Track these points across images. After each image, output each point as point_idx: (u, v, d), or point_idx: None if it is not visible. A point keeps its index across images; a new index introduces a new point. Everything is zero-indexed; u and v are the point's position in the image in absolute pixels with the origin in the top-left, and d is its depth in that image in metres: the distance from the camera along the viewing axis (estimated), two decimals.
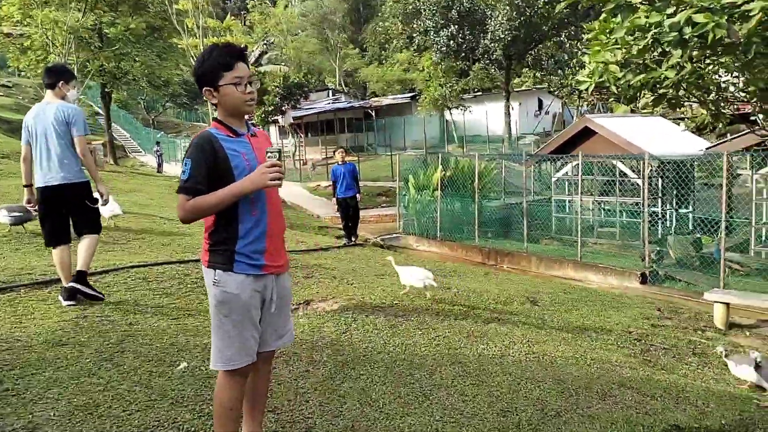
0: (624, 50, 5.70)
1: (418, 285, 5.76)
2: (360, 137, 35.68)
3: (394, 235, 15.87)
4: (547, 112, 36.36)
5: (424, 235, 15.23)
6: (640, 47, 4.83)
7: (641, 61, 5.83)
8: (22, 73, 25.49)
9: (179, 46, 10.62)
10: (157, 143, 27.48)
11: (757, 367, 4.67)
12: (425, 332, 4.74)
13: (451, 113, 33.33)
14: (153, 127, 50.51)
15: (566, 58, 26.11)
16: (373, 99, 42.03)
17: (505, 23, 25.70)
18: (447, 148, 30.83)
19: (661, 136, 15.13)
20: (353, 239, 10.98)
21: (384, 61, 52.95)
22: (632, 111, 18.75)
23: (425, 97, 31.84)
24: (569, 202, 16.01)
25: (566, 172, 15.56)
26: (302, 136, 33.11)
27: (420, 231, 15.40)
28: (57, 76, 4.52)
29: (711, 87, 6.11)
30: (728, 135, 20.94)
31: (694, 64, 5.55)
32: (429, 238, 14.97)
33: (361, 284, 6.28)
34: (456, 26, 26.86)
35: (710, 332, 6.80)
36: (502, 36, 26.24)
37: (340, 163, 10.11)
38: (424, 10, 27.39)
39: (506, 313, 5.93)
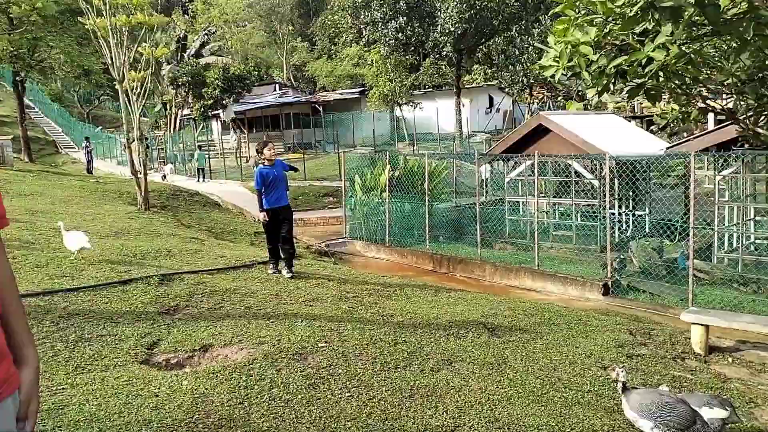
0: (598, 28, 4.70)
1: (73, 249, 5.98)
2: (307, 134, 34.25)
3: (340, 240, 14.68)
4: (498, 110, 35.86)
5: (372, 240, 14.11)
6: (630, 14, 3.77)
7: (618, 42, 4.86)
8: None
9: (85, 26, 9.15)
10: (86, 139, 25.32)
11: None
12: (354, 393, 3.60)
13: (401, 110, 32.34)
14: (87, 122, 47.55)
15: (517, 53, 25.47)
16: (320, 93, 40.64)
17: (455, 16, 24.83)
18: (397, 146, 29.82)
19: (617, 135, 14.48)
20: (291, 266, 7.30)
21: (334, 56, 51.59)
22: (585, 108, 18.21)
23: (375, 93, 30.73)
24: (523, 204, 15.22)
25: (520, 172, 14.73)
26: (245, 131, 31.42)
27: (368, 236, 14.27)
28: None
29: (699, 75, 5.18)
30: (681, 134, 20.66)
31: (681, 47, 4.58)
32: (377, 244, 13.85)
33: (281, 318, 5.08)
34: (404, 18, 25.85)
35: (691, 360, 5.92)
36: (452, 29, 25.37)
37: (266, 163, 6.99)
38: (373, 1, 26.24)
39: (460, 352, 4.85)
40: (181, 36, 36.90)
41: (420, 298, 7.04)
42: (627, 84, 5.23)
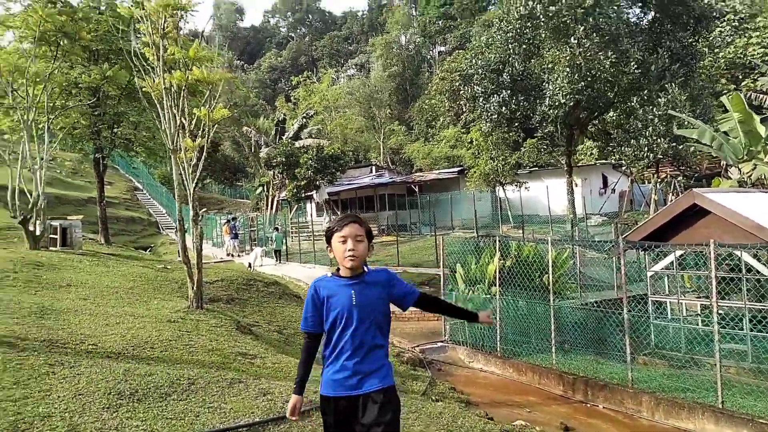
0: None
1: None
2: (402, 216, 32.39)
3: (438, 344, 12.00)
4: (613, 190, 32.41)
5: (478, 346, 11.31)
6: None
7: None
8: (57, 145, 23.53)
9: (141, 87, 7.73)
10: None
11: None
12: None
13: (504, 189, 29.78)
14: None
15: (639, 125, 22.44)
16: (416, 174, 39.12)
17: (566, 86, 22.46)
18: (501, 228, 27.05)
19: None
20: None
21: (430, 139, 50.71)
22: (739, 184, 14.81)
23: (474, 172, 28.51)
24: (671, 305, 11.92)
25: (669, 264, 11.57)
26: (338, 213, 30.09)
27: (473, 340, 11.50)
28: None
29: None
30: None
31: None
32: (486, 353, 11.03)
33: None
34: (508, 91, 23.81)
35: None
36: (563, 101, 22.95)
37: (340, 271, 3.02)
38: (473, 75, 24.55)
39: None
40: (280, 120, 37.17)
41: None
42: None
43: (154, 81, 7.73)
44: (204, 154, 8.10)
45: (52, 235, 12.02)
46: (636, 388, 8.47)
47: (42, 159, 11.57)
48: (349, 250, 2.79)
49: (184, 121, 7.82)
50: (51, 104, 12.64)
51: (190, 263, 7.92)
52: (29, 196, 11.21)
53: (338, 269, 2.96)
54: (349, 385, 2.81)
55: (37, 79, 10.75)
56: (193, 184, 7.93)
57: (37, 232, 11.19)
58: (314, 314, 2.88)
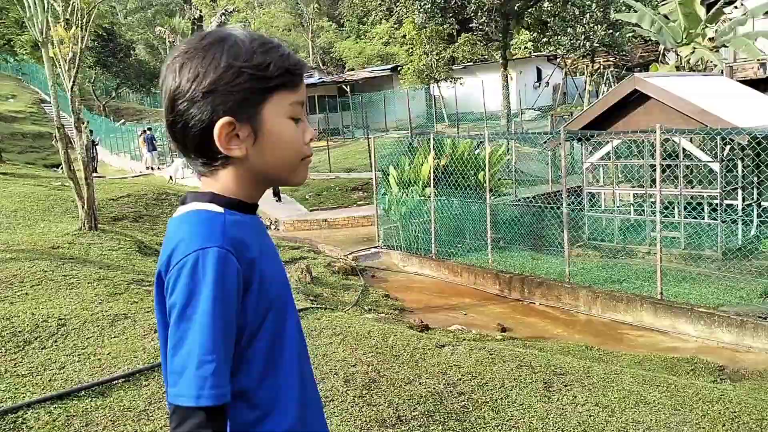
0: None
1: None
2: (333, 119, 31.03)
3: (372, 249, 11.48)
4: (547, 84, 31.96)
5: (413, 249, 10.86)
6: None
7: None
8: None
9: None
10: (90, 131, 22.59)
11: None
12: None
13: (439, 87, 28.76)
14: (106, 115, 45.34)
15: (577, 13, 21.64)
16: (348, 72, 37.34)
17: None
18: (436, 127, 26.34)
19: (742, 103, 10.87)
20: None
21: (363, 36, 48.24)
22: (677, 69, 14.46)
23: (408, 69, 27.24)
24: (610, 195, 11.78)
25: (606, 154, 11.27)
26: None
27: (407, 244, 11.02)
28: None
29: None
30: None
31: None
32: (420, 256, 10.60)
33: None
34: None
35: None
36: None
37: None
38: None
39: None
40: (197, 18, 34.04)
41: (530, 395, 3.77)
42: None
43: None
44: (82, 46, 6.73)
45: None
46: (573, 283, 8.25)
47: None
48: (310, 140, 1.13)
49: (55, 5, 6.39)
50: None
51: (76, 178, 6.79)
52: None
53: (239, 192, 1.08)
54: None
55: None
56: (71, 83, 6.62)
57: None
58: (229, 343, 0.97)
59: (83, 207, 6.81)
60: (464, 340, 5.81)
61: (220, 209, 1.02)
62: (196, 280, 0.93)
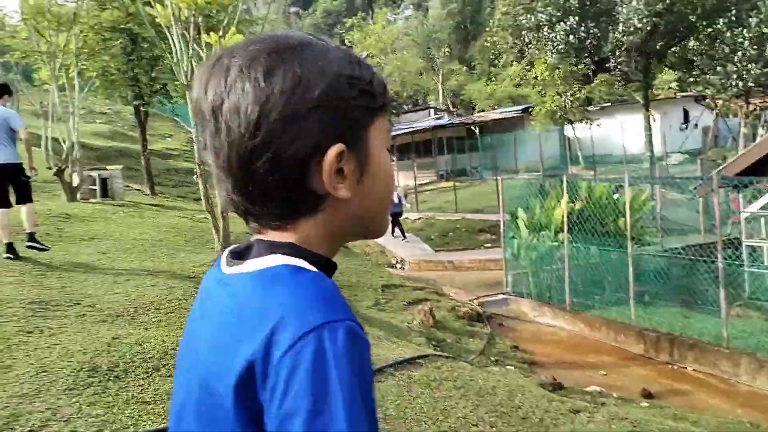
0: None
1: None
2: (461, 160, 30.87)
3: (500, 296, 10.94)
4: (695, 126, 29.55)
5: (544, 298, 10.19)
6: None
7: None
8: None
9: (154, 17, 6.81)
10: None
11: None
12: None
13: (573, 128, 27.64)
14: None
15: (727, 51, 19.78)
16: (477, 114, 37.20)
17: (642, 9, 20.02)
18: (570, 169, 25.21)
19: None
20: None
21: (493, 78, 48.17)
22: None
23: (540, 109, 26.51)
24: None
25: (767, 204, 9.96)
26: (393, 158, 29.01)
27: (537, 292, 10.38)
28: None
29: None
30: None
31: None
32: (552, 305, 9.90)
33: None
34: (576, 17, 21.53)
35: None
36: (639, 26, 20.53)
37: None
38: (536, 2, 22.41)
39: None
40: None
41: None
42: None
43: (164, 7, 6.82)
44: None
45: (91, 187, 11.62)
46: (732, 348, 7.18)
47: (75, 107, 11.05)
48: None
49: (199, 51, 6.87)
50: (86, 50, 12.03)
51: (214, 211, 7.13)
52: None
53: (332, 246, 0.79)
54: None
55: (60, 21, 10.07)
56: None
57: (74, 184, 10.77)
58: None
59: (218, 240, 7.12)
60: (603, 405, 5.17)
61: (314, 268, 0.71)
62: (327, 371, 0.59)
